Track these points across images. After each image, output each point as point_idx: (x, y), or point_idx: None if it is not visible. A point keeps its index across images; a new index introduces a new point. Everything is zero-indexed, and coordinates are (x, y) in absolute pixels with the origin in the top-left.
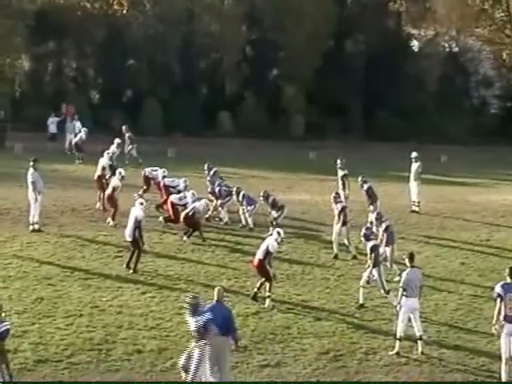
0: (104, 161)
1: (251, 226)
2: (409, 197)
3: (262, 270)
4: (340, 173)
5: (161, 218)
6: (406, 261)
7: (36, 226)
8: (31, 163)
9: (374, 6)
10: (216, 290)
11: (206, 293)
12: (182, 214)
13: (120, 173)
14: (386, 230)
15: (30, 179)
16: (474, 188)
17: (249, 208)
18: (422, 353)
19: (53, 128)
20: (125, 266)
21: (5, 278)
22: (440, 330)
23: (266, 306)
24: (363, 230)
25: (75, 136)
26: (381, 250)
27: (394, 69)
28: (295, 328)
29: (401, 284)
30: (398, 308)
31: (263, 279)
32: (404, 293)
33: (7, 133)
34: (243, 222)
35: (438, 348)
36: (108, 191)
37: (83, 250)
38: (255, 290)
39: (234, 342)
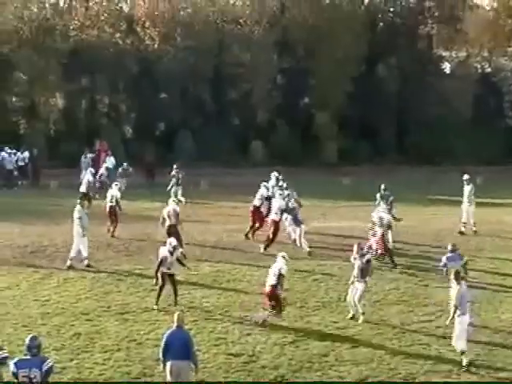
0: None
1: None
2: (462, 219)
3: (274, 295)
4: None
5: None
6: (453, 280)
7: (85, 262)
8: (78, 200)
9: (404, 30)
10: (176, 314)
11: (241, 323)
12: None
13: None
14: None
15: (76, 215)
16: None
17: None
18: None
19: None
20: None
21: (43, 315)
22: (480, 353)
23: (254, 317)
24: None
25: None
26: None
27: (426, 91)
28: (332, 356)
29: (454, 303)
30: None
31: (273, 305)
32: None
33: (41, 170)
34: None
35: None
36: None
37: (119, 285)
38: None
39: (194, 366)
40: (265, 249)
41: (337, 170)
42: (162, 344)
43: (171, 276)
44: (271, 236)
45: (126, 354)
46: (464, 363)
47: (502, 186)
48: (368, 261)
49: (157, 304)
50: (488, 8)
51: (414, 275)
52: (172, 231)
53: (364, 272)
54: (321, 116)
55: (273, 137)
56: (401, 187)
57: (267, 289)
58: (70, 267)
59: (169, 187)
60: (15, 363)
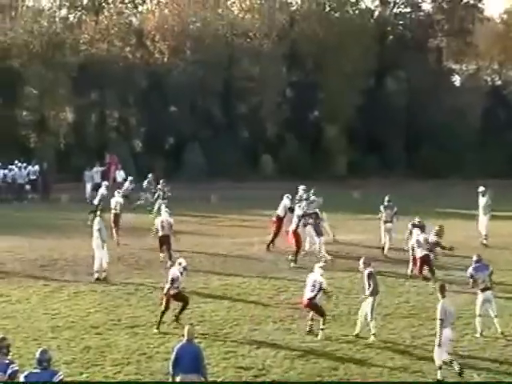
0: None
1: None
2: (478, 230)
3: (314, 307)
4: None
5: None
6: (438, 293)
7: (104, 274)
8: (98, 212)
9: (414, 43)
10: (186, 328)
11: (251, 337)
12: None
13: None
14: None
15: (96, 227)
16: None
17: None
18: (440, 382)
19: (97, 178)
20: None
21: (53, 328)
22: (491, 368)
23: (319, 338)
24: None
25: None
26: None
27: (435, 104)
28: (342, 370)
29: (439, 316)
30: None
31: (316, 314)
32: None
33: (52, 184)
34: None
35: None
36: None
37: (129, 298)
38: (309, 322)
39: (204, 379)
40: (295, 262)
41: (346, 183)
42: (172, 357)
43: (180, 294)
44: (295, 247)
45: (136, 367)
46: (439, 377)
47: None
48: (369, 274)
49: (158, 328)
50: (498, 21)
51: (423, 288)
52: (164, 241)
53: (368, 286)
54: (330, 129)
55: (282, 150)
56: (409, 200)
57: (304, 301)
58: (98, 279)
59: (153, 200)
60: (25, 376)
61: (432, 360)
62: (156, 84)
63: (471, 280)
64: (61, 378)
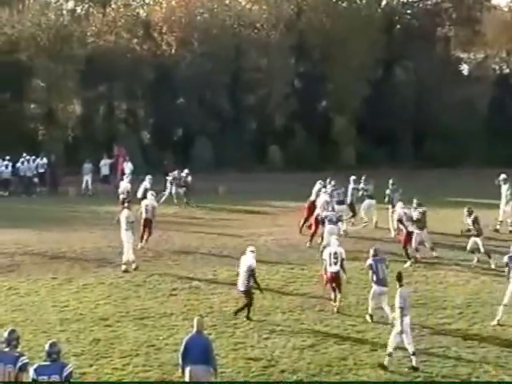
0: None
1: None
2: (499, 217)
3: (339, 280)
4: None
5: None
6: (396, 281)
7: (133, 265)
8: (125, 204)
9: (421, 32)
10: (195, 320)
11: (260, 328)
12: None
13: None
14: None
15: (131, 219)
16: None
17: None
18: (414, 367)
19: (105, 170)
20: (234, 313)
21: (62, 321)
22: (500, 355)
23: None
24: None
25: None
26: None
27: (444, 94)
28: (351, 359)
29: (399, 304)
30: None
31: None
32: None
33: (61, 177)
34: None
35: (497, 375)
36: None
37: (138, 290)
38: (335, 303)
39: (214, 371)
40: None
41: (355, 174)
42: (182, 349)
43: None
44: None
45: (145, 359)
46: (385, 362)
47: None
48: (370, 265)
49: (248, 317)
50: (506, 9)
51: (432, 278)
52: (146, 224)
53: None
54: (338, 120)
55: (290, 142)
56: (419, 190)
57: (330, 275)
58: (126, 271)
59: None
60: (35, 369)
61: (440, 347)
62: (164, 76)
63: (507, 268)
64: (70, 370)
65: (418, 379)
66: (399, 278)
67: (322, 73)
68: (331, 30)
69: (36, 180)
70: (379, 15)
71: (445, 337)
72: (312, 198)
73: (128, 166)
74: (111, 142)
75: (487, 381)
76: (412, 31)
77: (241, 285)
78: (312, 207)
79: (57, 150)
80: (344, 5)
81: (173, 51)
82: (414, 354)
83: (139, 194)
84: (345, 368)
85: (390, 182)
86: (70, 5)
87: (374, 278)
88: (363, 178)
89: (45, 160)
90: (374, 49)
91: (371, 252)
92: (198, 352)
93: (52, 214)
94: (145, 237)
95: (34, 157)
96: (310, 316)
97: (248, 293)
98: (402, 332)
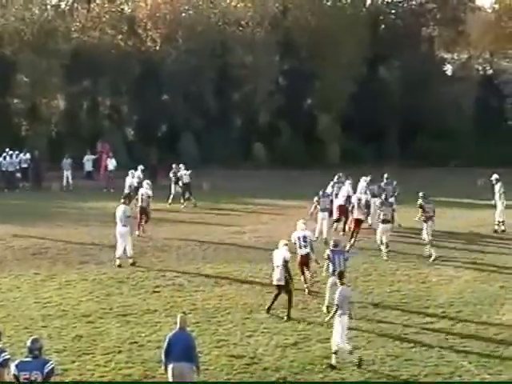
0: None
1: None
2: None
3: (309, 261)
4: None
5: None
6: (337, 279)
7: (131, 260)
8: (122, 200)
9: (406, 32)
10: (178, 316)
11: (243, 325)
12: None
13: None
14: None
15: (127, 213)
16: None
17: None
18: (331, 365)
19: (88, 166)
20: (266, 310)
21: (44, 317)
22: (482, 354)
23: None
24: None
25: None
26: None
27: (428, 93)
28: (334, 358)
29: (336, 301)
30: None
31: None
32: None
33: (44, 173)
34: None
35: (479, 374)
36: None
37: (121, 287)
38: (308, 284)
39: (196, 368)
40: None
41: (340, 171)
42: (165, 346)
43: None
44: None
45: (128, 356)
46: (333, 362)
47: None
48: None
49: (269, 310)
50: (490, 10)
51: (415, 277)
52: (142, 212)
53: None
54: (324, 118)
55: (276, 139)
56: (405, 188)
57: (300, 257)
58: (120, 266)
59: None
60: (16, 365)
61: (422, 346)
62: (149, 72)
63: None
64: (52, 366)
65: (402, 377)
66: (340, 276)
67: (307, 70)
68: (317, 28)
69: (19, 175)
70: (364, 14)
71: (427, 336)
72: (340, 200)
73: (111, 163)
74: (95, 138)
75: (469, 380)
76: (397, 31)
77: (278, 279)
78: (344, 208)
79: (40, 146)
80: (329, 4)
81: (157, 47)
82: (335, 353)
83: (128, 183)
84: (328, 366)
85: (385, 175)
86: (54, 0)
87: (331, 269)
88: (385, 176)
89: (28, 155)
90: (360, 47)
91: (331, 243)
92: (181, 349)
93: (35, 209)
94: (142, 225)
95: (17, 152)
96: (293, 314)
97: (287, 285)
98: (338, 331)
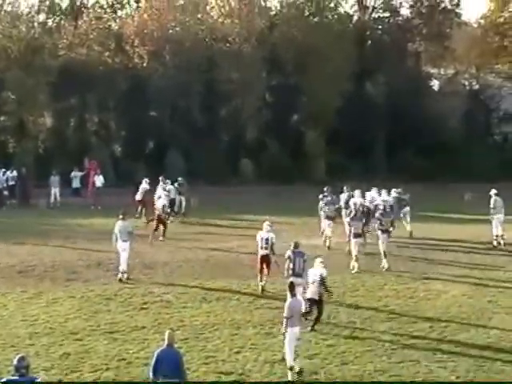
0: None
1: None
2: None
3: (268, 261)
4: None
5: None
6: (288, 291)
7: (125, 275)
8: (121, 216)
9: (393, 47)
10: (166, 333)
11: (231, 341)
12: None
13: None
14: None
15: (129, 229)
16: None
17: None
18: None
19: (76, 183)
20: (310, 329)
21: (31, 335)
22: (469, 369)
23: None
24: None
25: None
26: None
27: (415, 108)
28: (322, 373)
29: (285, 314)
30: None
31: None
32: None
33: (31, 189)
34: None
35: None
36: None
37: (109, 304)
38: (263, 283)
39: None
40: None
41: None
42: (153, 362)
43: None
44: None
45: (116, 373)
46: (290, 377)
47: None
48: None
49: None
50: (475, 25)
51: (403, 292)
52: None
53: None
54: (310, 133)
55: (263, 154)
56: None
57: (261, 257)
58: (121, 280)
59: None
60: (3, 383)
61: (410, 361)
62: (136, 88)
63: None
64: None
65: None
66: (291, 288)
67: (294, 85)
68: (303, 44)
69: (6, 193)
70: (351, 30)
71: (415, 350)
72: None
73: (99, 179)
74: (83, 155)
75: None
76: (383, 46)
77: (313, 294)
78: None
79: (28, 162)
80: (316, 19)
81: (145, 64)
82: (290, 369)
83: (138, 197)
84: (316, 382)
85: (398, 190)
86: (42, 17)
87: (291, 270)
88: (399, 189)
89: (15, 173)
90: (347, 62)
91: (292, 245)
92: (169, 366)
93: (22, 226)
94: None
95: (3, 169)
96: (280, 330)
97: (321, 301)
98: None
